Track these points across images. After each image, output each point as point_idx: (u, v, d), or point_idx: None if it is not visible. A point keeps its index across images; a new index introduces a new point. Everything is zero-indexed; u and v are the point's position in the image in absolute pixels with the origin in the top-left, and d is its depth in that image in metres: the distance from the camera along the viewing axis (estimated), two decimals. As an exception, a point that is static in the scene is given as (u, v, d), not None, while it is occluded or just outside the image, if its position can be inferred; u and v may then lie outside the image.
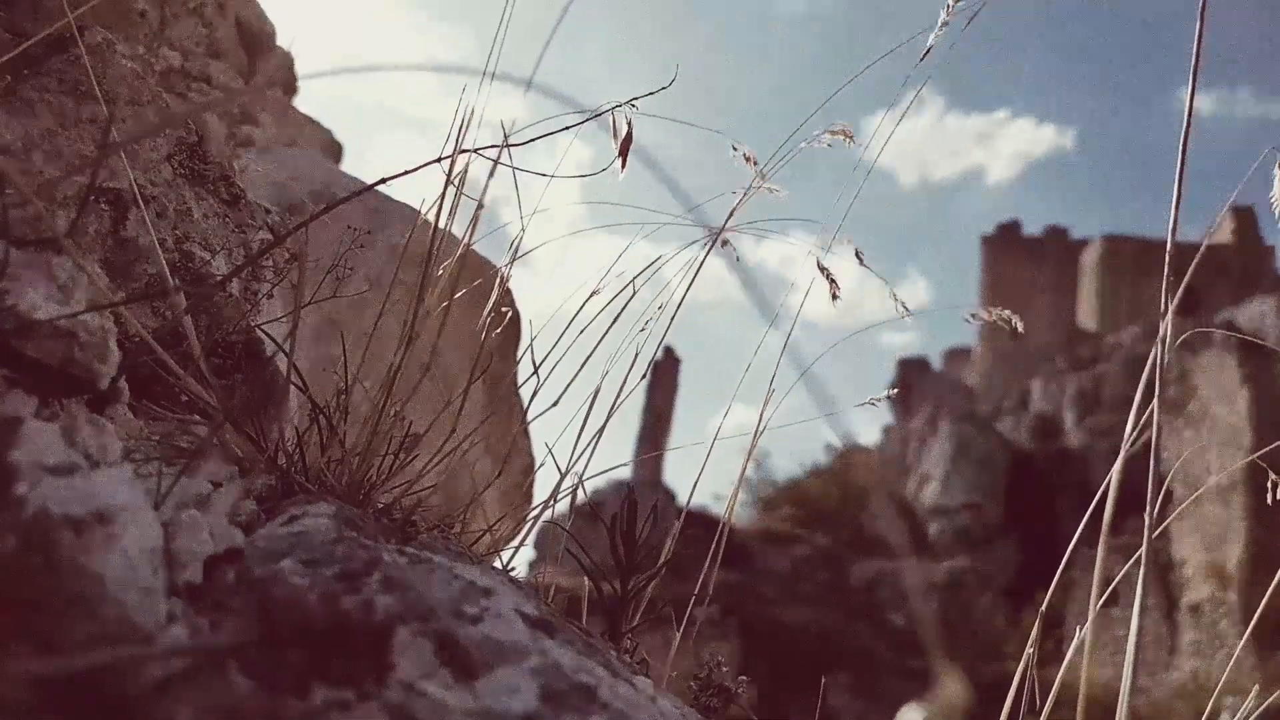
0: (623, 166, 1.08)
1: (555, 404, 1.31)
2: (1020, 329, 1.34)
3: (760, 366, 1.37)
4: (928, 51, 1.24)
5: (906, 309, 1.36)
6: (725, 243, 1.29)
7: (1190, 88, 1.05)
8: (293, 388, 1.12)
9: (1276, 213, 1.05)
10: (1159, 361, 1.02)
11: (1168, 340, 1.01)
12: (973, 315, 1.41)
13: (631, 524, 1.15)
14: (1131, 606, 0.93)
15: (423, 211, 1.22)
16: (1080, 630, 1.09)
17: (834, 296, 1.31)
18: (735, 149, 1.31)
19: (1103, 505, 1.02)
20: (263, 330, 1.25)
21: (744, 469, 1.47)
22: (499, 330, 1.30)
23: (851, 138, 1.30)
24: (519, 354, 2.16)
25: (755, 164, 1.30)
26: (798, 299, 1.35)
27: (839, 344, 1.50)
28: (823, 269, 1.32)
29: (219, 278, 1.25)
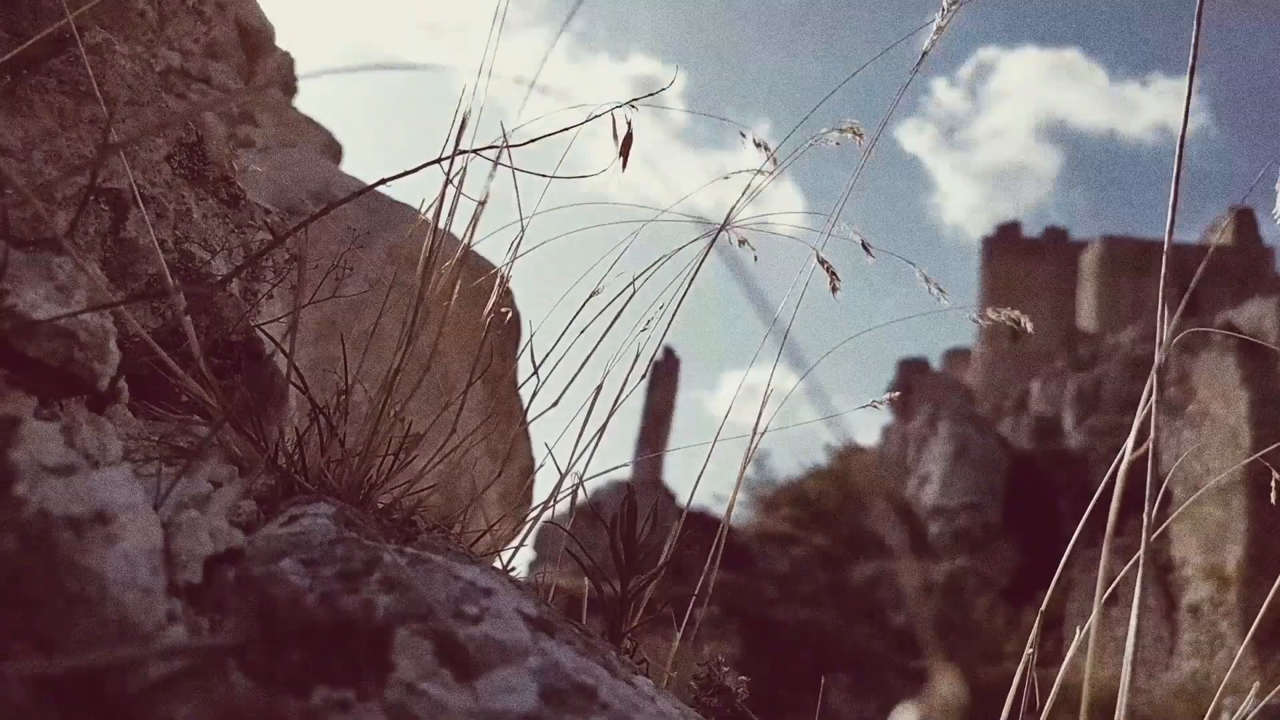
0: (624, 167, 1.08)
1: (555, 404, 1.31)
2: (1029, 328, 1.32)
3: (760, 365, 1.37)
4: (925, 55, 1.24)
5: (941, 290, 1.32)
6: (743, 241, 1.27)
7: (1188, 88, 1.04)
8: (293, 388, 1.12)
9: None
10: (1155, 356, 1.02)
11: (1166, 340, 1.01)
12: (980, 316, 1.39)
13: (631, 524, 1.15)
14: (1131, 606, 0.93)
15: (423, 211, 1.22)
16: (1080, 630, 1.09)
17: (834, 289, 1.30)
18: (744, 135, 1.28)
19: (1102, 506, 1.02)
20: (263, 330, 1.25)
21: (743, 469, 1.47)
22: (499, 330, 1.30)
23: (861, 136, 1.28)
24: (519, 354, 2.16)
25: (766, 149, 1.27)
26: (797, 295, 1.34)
27: (841, 345, 1.50)
28: (822, 261, 1.31)
29: (219, 278, 1.25)
